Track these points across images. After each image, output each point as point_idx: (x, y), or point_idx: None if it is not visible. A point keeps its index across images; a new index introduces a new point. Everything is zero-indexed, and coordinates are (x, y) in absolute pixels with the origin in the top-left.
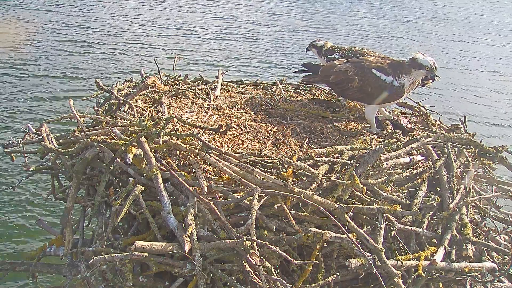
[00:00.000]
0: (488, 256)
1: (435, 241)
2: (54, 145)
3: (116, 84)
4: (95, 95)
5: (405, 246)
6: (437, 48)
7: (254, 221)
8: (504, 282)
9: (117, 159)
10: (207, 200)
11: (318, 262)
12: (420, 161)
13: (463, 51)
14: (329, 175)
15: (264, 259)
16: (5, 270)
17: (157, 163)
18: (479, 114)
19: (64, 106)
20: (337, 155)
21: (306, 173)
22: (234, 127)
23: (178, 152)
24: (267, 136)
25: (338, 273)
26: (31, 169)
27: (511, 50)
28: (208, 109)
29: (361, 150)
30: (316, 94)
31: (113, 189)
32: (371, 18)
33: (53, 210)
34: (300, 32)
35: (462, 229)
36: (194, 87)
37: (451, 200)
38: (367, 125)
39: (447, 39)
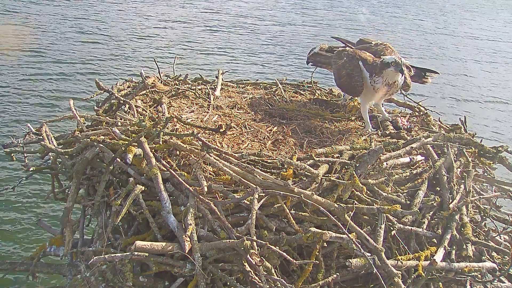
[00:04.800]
0: (488, 256)
1: (435, 241)
2: (54, 145)
3: (116, 84)
4: (95, 95)
5: (405, 246)
6: (437, 45)
7: (254, 221)
8: (504, 282)
9: (117, 159)
10: (207, 200)
11: (318, 262)
12: (420, 161)
13: (463, 48)
14: (329, 175)
15: (264, 259)
16: (5, 270)
17: (157, 163)
18: (480, 113)
19: (65, 106)
20: (337, 155)
21: (306, 173)
22: (234, 127)
23: (178, 152)
24: (267, 136)
25: (338, 273)
26: (31, 169)
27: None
28: (208, 109)
29: (361, 150)
30: (316, 94)
31: (113, 189)
32: (371, 15)
33: (53, 210)
34: (301, 31)
35: (462, 229)
36: (194, 87)
37: (451, 200)
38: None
39: (447, 35)
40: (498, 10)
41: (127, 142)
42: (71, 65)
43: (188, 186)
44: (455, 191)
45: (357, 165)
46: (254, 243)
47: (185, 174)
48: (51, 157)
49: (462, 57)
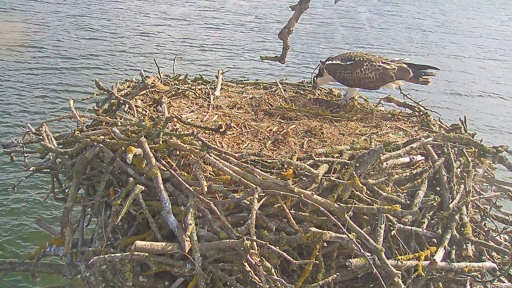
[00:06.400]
0: (488, 256)
1: (435, 241)
2: (54, 145)
3: (116, 84)
4: (95, 95)
5: (405, 246)
6: (436, 44)
7: (254, 221)
8: (504, 282)
9: (117, 159)
10: (207, 200)
11: (318, 262)
12: (420, 161)
13: (462, 46)
14: (329, 175)
15: (264, 259)
16: (5, 270)
17: (157, 163)
18: (479, 110)
19: (65, 105)
20: (337, 155)
21: (306, 173)
22: (234, 127)
23: (178, 152)
24: (267, 136)
25: (338, 273)
26: (31, 169)
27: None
28: (208, 109)
29: (361, 150)
30: (316, 94)
31: (113, 189)
32: (370, 13)
33: (53, 210)
34: (301, 29)
35: (462, 229)
36: (194, 87)
37: (451, 200)
38: (366, 125)
39: (446, 34)
40: (497, 9)
41: (127, 142)
42: (71, 63)
43: (188, 186)
44: (455, 191)
45: (357, 165)
46: (254, 243)
47: (185, 174)
48: (51, 157)
49: (462, 55)
